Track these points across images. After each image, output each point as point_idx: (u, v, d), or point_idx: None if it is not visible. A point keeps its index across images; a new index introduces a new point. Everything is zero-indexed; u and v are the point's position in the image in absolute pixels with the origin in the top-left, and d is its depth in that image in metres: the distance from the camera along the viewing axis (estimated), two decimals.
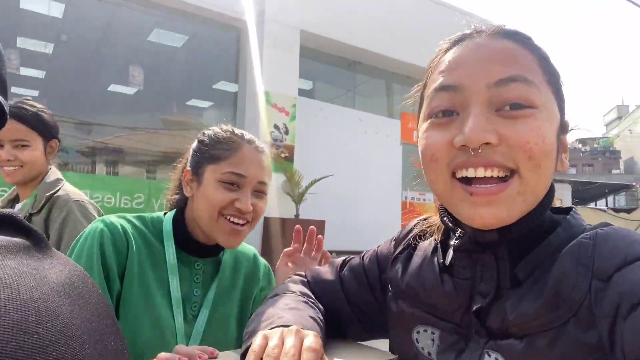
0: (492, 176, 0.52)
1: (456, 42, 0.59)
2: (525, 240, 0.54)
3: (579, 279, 0.47)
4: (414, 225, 0.73)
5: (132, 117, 9.11)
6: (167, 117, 9.36)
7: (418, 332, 0.60)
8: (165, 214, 1.10)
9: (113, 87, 8.87)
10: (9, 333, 0.25)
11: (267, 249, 6.92)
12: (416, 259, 0.66)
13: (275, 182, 7.21)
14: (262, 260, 1.18)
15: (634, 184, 28.04)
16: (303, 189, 7.05)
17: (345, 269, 0.80)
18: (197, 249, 1.02)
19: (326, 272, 0.81)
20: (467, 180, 0.53)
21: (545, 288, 0.49)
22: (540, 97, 0.52)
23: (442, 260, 0.61)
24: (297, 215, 6.99)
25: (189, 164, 1.08)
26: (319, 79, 10.09)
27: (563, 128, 0.57)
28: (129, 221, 1.03)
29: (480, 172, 0.51)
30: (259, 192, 1.04)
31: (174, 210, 1.08)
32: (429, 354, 0.59)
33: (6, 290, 0.28)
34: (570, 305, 0.47)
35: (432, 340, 0.59)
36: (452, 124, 0.54)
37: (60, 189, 1.64)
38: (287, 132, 7.52)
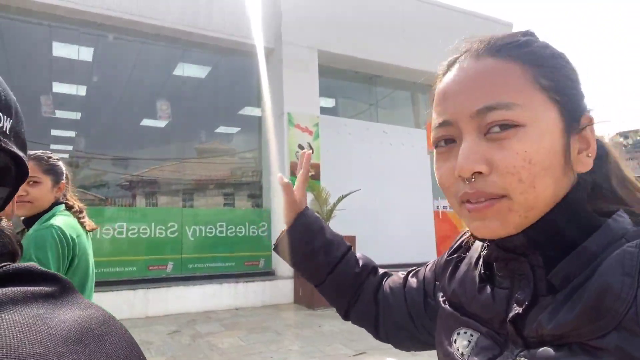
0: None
1: (448, 66, 0.60)
2: (560, 245, 0.53)
3: (623, 289, 0.45)
4: (464, 233, 0.77)
5: (164, 149, 9.45)
6: (197, 145, 9.65)
7: (458, 334, 0.62)
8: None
9: (145, 122, 9.24)
10: None
11: None
12: (462, 267, 0.68)
13: None
14: (40, 229, 1.78)
15: None
16: (331, 205, 7.07)
17: (412, 273, 0.88)
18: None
19: (402, 272, 0.91)
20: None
21: (584, 298, 0.48)
22: (526, 113, 0.52)
23: (483, 272, 0.62)
24: None
25: None
26: (341, 95, 10.17)
27: (573, 127, 0.55)
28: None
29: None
30: (32, 182, 1.79)
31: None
32: (462, 354, 0.60)
33: (2, 349, 0.29)
34: (613, 315, 0.45)
35: (469, 341, 0.60)
36: (452, 152, 0.56)
37: None
38: (312, 151, 7.59)
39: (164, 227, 6.94)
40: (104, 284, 6.20)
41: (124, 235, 6.65)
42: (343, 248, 0.94)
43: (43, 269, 0.39)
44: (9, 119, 0.42)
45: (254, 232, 7.61)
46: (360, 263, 0.93)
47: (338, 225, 7.08)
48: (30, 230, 1.79)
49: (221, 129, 10.17)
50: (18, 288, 0.35)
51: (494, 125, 0.52)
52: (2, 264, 0.37)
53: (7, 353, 0.29)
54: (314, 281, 0.95)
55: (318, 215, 0.99)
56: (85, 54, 7.65)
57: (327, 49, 8.15)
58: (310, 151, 1.00)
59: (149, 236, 6.81)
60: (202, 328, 5.39)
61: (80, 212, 1.97)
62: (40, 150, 1.91)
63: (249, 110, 9.35)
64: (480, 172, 0.52)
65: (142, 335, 5.02)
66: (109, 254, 6.50)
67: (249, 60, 8.06)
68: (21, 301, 0.34)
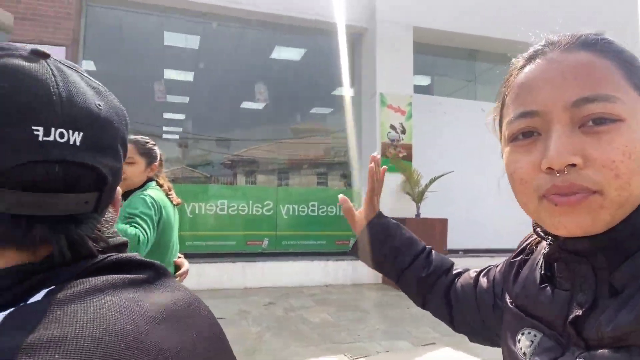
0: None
1: (529, 59, 0.58)
2: (625, 247, 0.52)
3: None
4: (530, 236, 0.78)
5: (262, 130, 9.91)
6: (292, 126, 9.98)
7: (522, 334, 0.63)
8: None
9: (244, 104, 9.74)
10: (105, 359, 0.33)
11: None
12: (525, 270, 0.69)
13: (394, 182, 7.24)
14: (133, 197, 2.06)
15: None
16: (422, 187, 6.96)
17: (484, 271, 0.90)
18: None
19: (475, 270, 0.94)
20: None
21: None
22: (625, 107, 0.50)
23: (543, 272, 0.63)
24: (417, 215, 6.92)
25: None
26: (437, 73, 9.81)
27: None
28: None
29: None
30: (128, 162, 2.00)
31: None
32: (524, 354, 0.61)
33: (103, 324, 0.36)
34: None
35: (532, 342, 0.60)
36: (535, 145, 0.54)
37: None
38: (404, 132, 7.49)
39: (260, 205, 7.35)
40: (208, 256, 6.77)
41: (225, 212, 7.16)
42: (412, 253, 0.98)
43: (143, 258, 0.47)
44: (77, 132, 0.42)
45: None
46: (431, 266, 0.96)
47: (429, 208, 6.98)
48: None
49: (315, 110, 10.38)
50: (118, 275, 0.42)
51: (591, 117, 0.50)
52: (108, 254, 0.45)
53: (106, 328, 0.36)
54: (390, 279, 1.03)
55: (385, 223, 1.02)
56: (192, 41, 8.21)
57: (422, 25, 7.89)
58: (379, 167, 1.03)
59: (247, 213, 7.26)
60: (295, 302, 5.68)
61: (169, 189, 2.25)
62: (140, 136, 2.20)
63: (342, 91, 9.43)
64: (573, 165, 0.50)
65: (241, 305, 5.43)
66: (212, 229, 7.07)
67: (343, 41, 8.08)
68: (120, 286, 0.41)
